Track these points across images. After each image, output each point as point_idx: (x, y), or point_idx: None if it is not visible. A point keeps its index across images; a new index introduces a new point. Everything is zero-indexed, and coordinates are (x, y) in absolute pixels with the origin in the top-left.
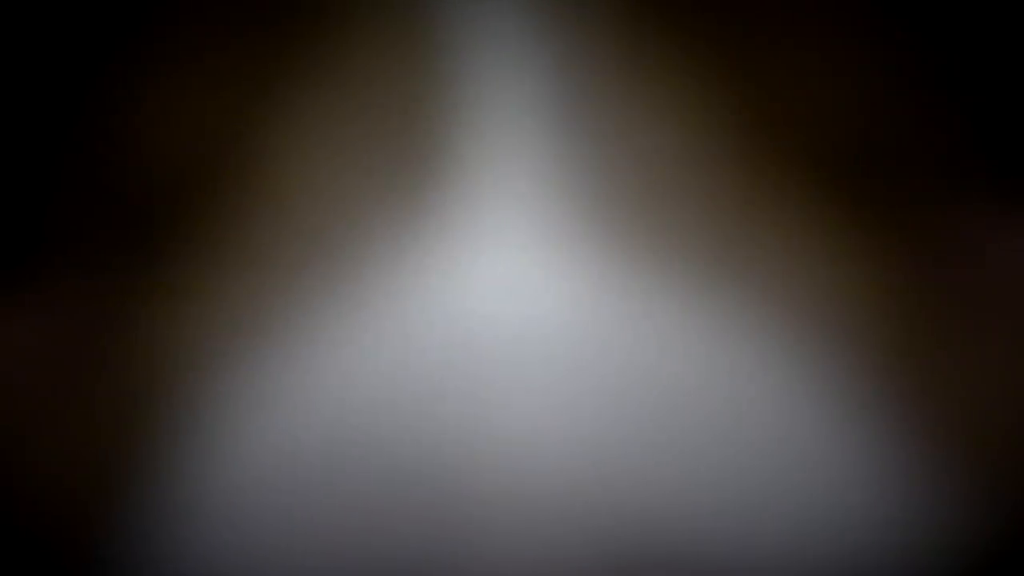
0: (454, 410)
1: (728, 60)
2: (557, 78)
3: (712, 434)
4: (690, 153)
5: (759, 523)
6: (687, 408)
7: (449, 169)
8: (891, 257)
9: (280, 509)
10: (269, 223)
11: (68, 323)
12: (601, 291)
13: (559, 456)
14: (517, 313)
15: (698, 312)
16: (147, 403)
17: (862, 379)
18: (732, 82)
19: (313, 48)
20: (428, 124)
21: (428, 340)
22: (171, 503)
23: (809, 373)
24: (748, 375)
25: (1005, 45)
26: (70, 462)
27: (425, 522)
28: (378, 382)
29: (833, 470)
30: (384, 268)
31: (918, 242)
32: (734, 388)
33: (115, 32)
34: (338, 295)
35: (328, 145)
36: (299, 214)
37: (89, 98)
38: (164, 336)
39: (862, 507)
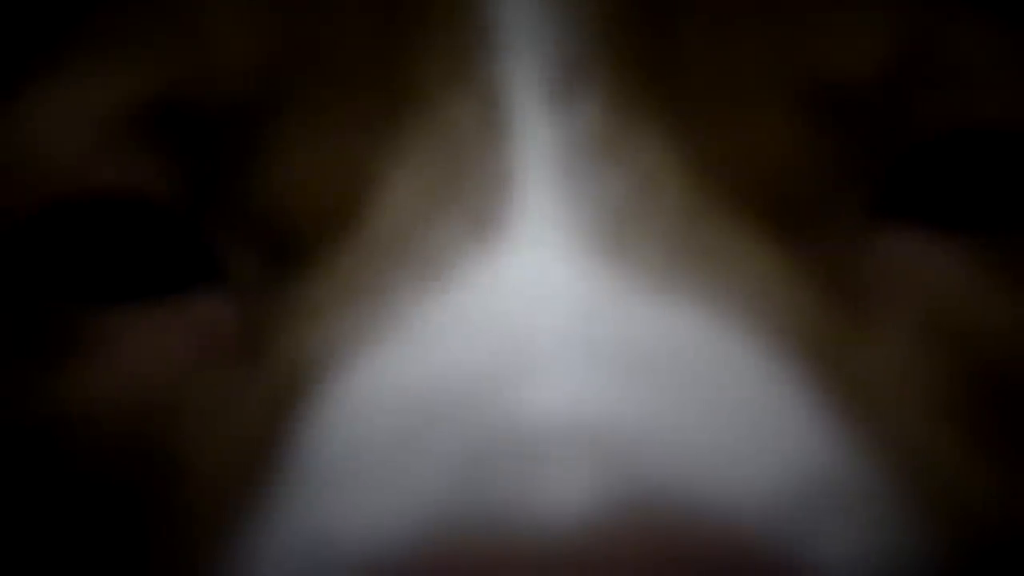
0: (507, 378)
1: (694, 128)
2: (577, 146)
3: (694, 393)
4: (668, 195)
5: (731, 453)
6: (676, 378)
7: (504, 206)
8: (810, 268)
9: (390, 457)
10: (377, 245)
11: (227, 331)
12: (612, 291)
13: (584, 413)
14: (552, 307)
15: (680, 307)
16: (287, 390)
17: (791, 353)
18: (696, 144)
19: (412, 118)
20: (490, 173)
21: (492, 329)
22: (306, 467)
23: (756, 350)
24: (715, 350)
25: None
26: (223, 443)
27: (484, 456)
28: (458, 360)
29: (774, 416)
30: (459, 277)
31: (829, 257)
32: (707, 360)
33: (269, 104)
34: (427, 300)
35: (419, 188)
36: (399, 238)
37: (253, 156)
38: (300, 340)
39: (793, 438)
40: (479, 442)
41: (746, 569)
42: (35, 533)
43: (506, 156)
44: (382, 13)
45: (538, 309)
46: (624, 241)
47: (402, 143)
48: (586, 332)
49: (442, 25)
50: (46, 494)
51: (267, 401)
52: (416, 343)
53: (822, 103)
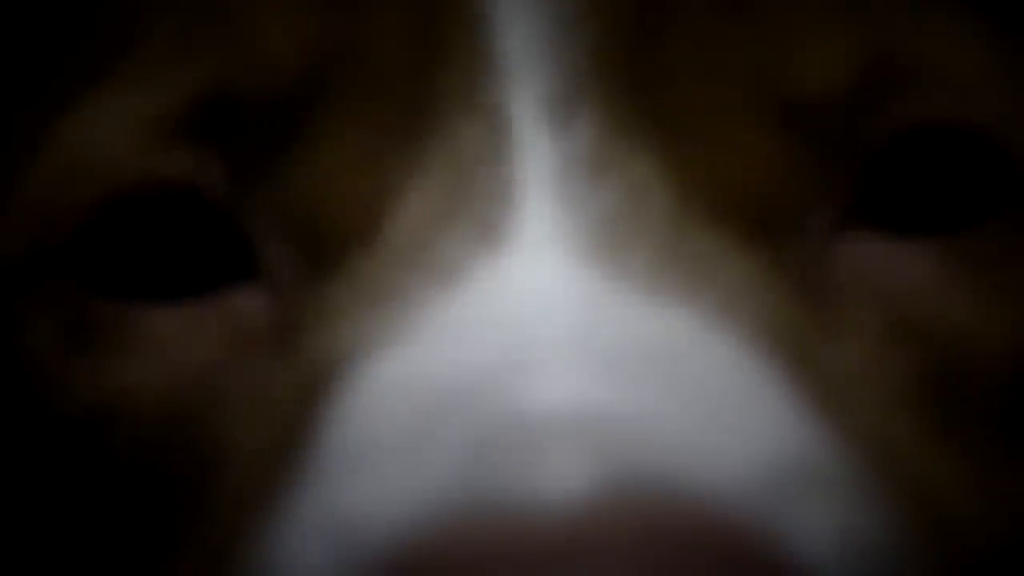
0: (511, 374)
1: (679, 145)
2: (574, 162)
3: (679, 386)
4: (656, 206)
5: (713, 441)
6: (663, 373)
7: (509, 216)
8: (784, 272)
9: (407, 445)
10: (396, 251)
11: (259, 326)
12: (606, 294)
13: (581, 405)
14: (552, 308)
15: (667, 308)
16: (314, 383)
17: (766, 349)
18: (681, 159)
19: (429, 136)
20: (496, 186)
21: (497, 328)
22: (331, 454)
23: (735, 347)
24: (699, 348)
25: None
26: (255, 430)
27: (491, 444)
28: (467, 357)
29: (751, 407)
30: (468, 281)
31: (801, 262)
32: (691, 356)
33: (305, 107)
34: (440, 301)
35: (434, 199)
36: (415, 244)
37: (288, 159)
38: (327, 337)
39: (768, 427)
40: (486, 432)
41: (726, 545)
42: (81, 515)
43: (511, 171)
44: (397, 47)
45: (539, 311)
46: (616, 248)
47: (420, 159)
48: (582, 331)
49: (454, 55)
50: (93, 479)
51: (296, 392)
52: (430, 341)
53: (795, 121)
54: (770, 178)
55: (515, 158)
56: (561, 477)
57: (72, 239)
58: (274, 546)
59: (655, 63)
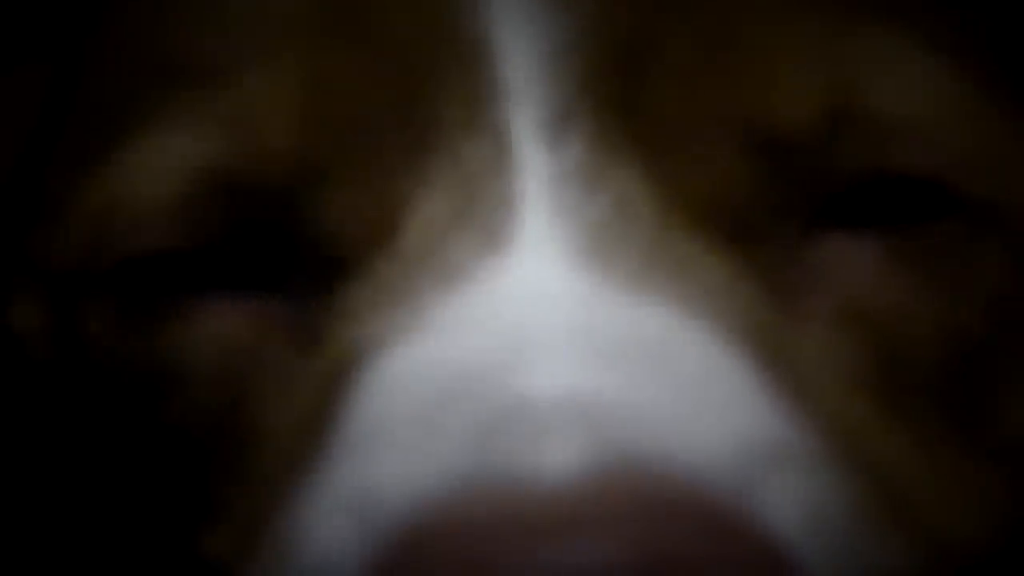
0: (513, 364)
1: (660, 162)
2: (567, 177)
3: (662, 373)
4: (640, 216)
5: (691, 421)
6: (648, 362)
7: (509, 225)
8: (753, 273)
9: (420, 428)
10: (408, 257)
11: (281, 324)
12: (596, 293)
13: (575, 391)
14: (548, 306)
15: (651, 305)
16: (337, 373)
17: (739, 340)
18: (662, 175)
19: (435, 154)
20: (497, 199)
21: (500, 324)
22: (351, 437)
23: (711, 338)
24: (679, 339)
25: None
26: (282, 414)
27: (495, 426)
28: (473, 349)
29: (725, 391)
30: (473, 282)
31: (767, 264)
32: (673, 347)
33: (317, 153)
34: (448, 301)
35: (441, 211)
36: (425, 251)
37: (305, 195)
38: (348, 333)
39: (740, 408)
40: (492, 415)
41: (703, 515)
42: (132, 483)
43: (511, 184)
44: (404, 75)
45: (537, 308)
46: (606, 252)
47: (429, 174)
48: (576, 326)
49: (459, 81)
50: (144, 450)
51: (322, 380)
52: (440, 335)
53: (765, 148)
54: (741, 193)
55: (514, 173)
56: (558, 455)
57: (115, 269)
58: (303, 515)
59: (641, 89)
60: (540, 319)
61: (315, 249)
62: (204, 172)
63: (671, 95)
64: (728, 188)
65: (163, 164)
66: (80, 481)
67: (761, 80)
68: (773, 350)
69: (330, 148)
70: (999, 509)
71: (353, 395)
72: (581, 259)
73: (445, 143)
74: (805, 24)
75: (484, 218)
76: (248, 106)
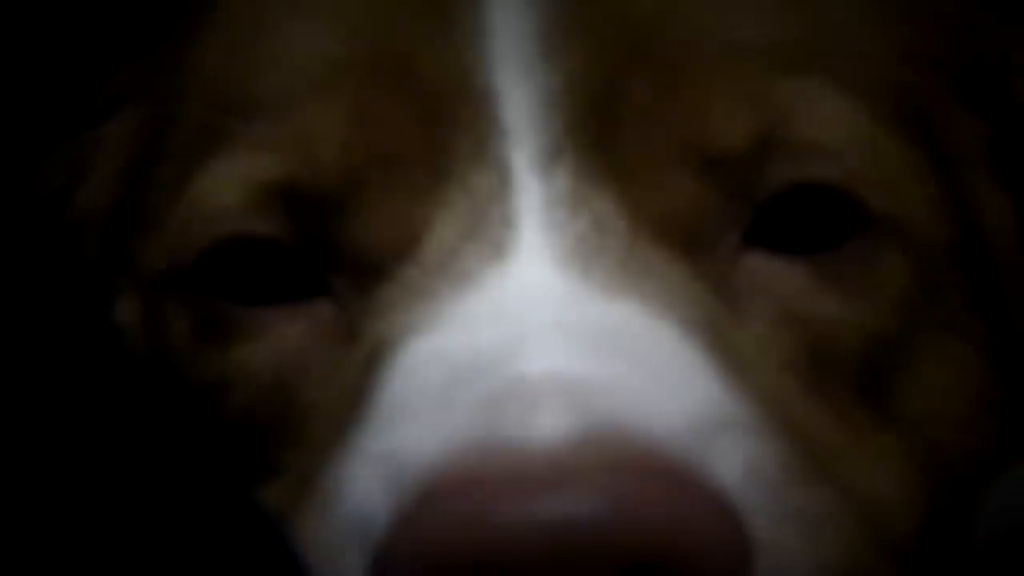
0: (511, 352)
1: (630, 188)
2: (557, 201)
3: (632, 360)
4: (615, 232)
5: (655, 398)
6: (621, 350)
7: (510, 240)
8: (704, 279)
9: (436, 403)
10: (428, 266)
11: (329, 323)
12: (579, 295)
13: (561, 374)
14: (541, 306)
15: (623, 304)
16: (370, 361)
17: (693, 333)
18: (631, 198)
19: (450, 183)
20: (500, 219)
21: (502, 320)
22: (381, 411)
23: (671, 332)
24: (646, 332)
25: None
26: (329, 395)
27: (496, 402)
28: (479, 340)
29: (681, 374)
30: (480, 286)
31: (716, 272)
32: (641, 339)
33: (356, 177)
34: (460, 301)
35: (455, 229)
36: (441, 261)
37: (345, 212)
38: (379, 328)
39: (694, 388)
40: (493, 392)
41: (662, 471)
42: (211, 453)
43: (511, 207)
44: (429, 116)
45: (531, 306)
46: (586, 261)
47: (444, 198)
48: (562, 321)
49: (470, 122)
50: (218, 427)
51: (358, 367)
52: (452, 329)
53: (709, 172)
54: (692, 211)
55: (514, 197)
56: (547, 424)
57: (194, 266)
58: (342, 472)
59: (612, 130)
60: (533, 315)
61: (353, 258)
62: (266, 185)
63: (635, 134)
64: (682, 208)
65: (234, 179)
66: (169, 446)
67: (705, 115)
68: (719, 340)
69: (367, 170)
70: (900, 465)
71: (383, 376)
72: (567, 267)
73: (458, 172)
74: (740, 71)
75: (489, 233)
76: (302, 135)
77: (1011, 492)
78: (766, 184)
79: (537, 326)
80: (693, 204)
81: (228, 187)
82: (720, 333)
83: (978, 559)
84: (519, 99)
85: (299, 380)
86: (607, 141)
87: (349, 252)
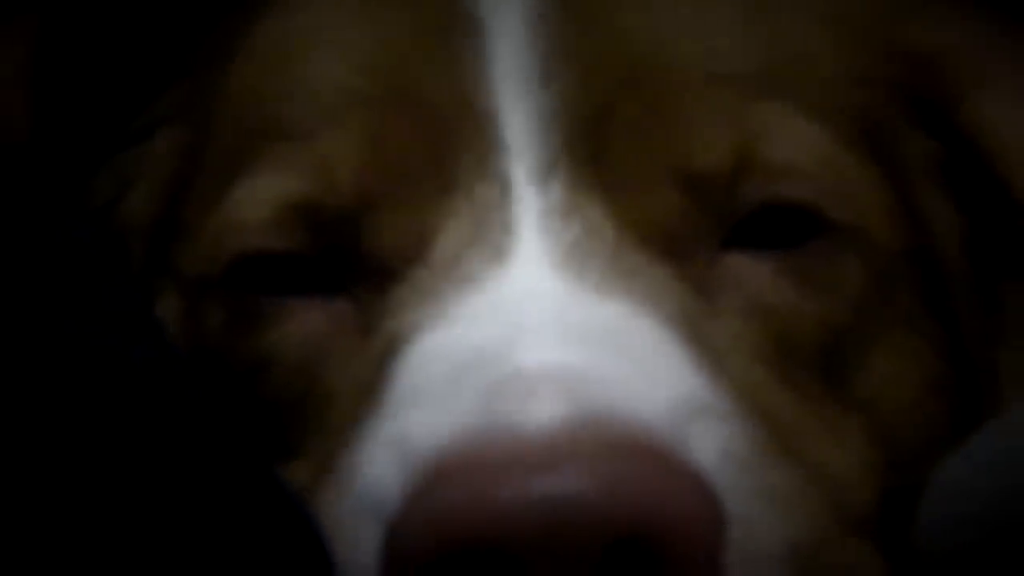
0: (511, 346)
1: (617, 199)
2: (552, 211)
3: (619, 353)
4: (604, 239)
5: (639, 386)
6: (609, 344)
7: (510, 245)
8: (684, 279)
9: (442, 392)
10: (436, 269)
11: (348, 318)
12: (572, 295)
13: (555, 366)
14: (538, 304)
15: (612, 303)
16: (384, 353)
17: (674, 328)
18: (619, 208)
19: (456, 195)
20: (501, 227)
21: (503, 317)
22: (394, 398)
23: (655, 327)
24: (632, 328)
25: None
26: (348, 383)
27: (497, 391)
28: (482, 335)
29: (664, 365)
30: (483, 287)
31: (695, 273)
32: (627, 334)
33: (372, 193)
34: (465, 300)
35: (461, 236)
36: (449, 265)
37: (362, 222)
38: (393, 324)
39: (675, 377)
40: (494, 382)
41: (645, 452)
42: (244, 437)
43: (511, 216)
44: (437, 136)
45: (528, 305)
46: (578, 265)
47: (450, 209)
48: (556, 318)
49: (474, 141)
50: (250, 413)
51: (372, 360)
52: (458, 325)
53: (690, 184)
54: (672, 220)
55: (513, 207)
56: (543, 410)
57: (226, 271)
58: (359, 453)
59: (603, 146)
60: (530, 313)
61: (371, 262)
62: (290, 201)
63: (622, 150)
64: (664, 216)
65: (262, 197)
66: (206, 428)
67: (686, 135)
68: (697, 334)
69: (381, 188)
70: (858, 444)
71: (395, 368)
72: (561, 269)
73: (463, 185)
74: (719, 97)
75: (491, 240)
76: (323, 156)
77: (953, 466)
78: (741, 201)
79: (533, 323)
80: (674, 215)
81: (255, 205)
82: (697, 328)
83: (921, 529)
84: (518, 120)
85: (321, 368)
86: (598, 157)
87: (365, 259)
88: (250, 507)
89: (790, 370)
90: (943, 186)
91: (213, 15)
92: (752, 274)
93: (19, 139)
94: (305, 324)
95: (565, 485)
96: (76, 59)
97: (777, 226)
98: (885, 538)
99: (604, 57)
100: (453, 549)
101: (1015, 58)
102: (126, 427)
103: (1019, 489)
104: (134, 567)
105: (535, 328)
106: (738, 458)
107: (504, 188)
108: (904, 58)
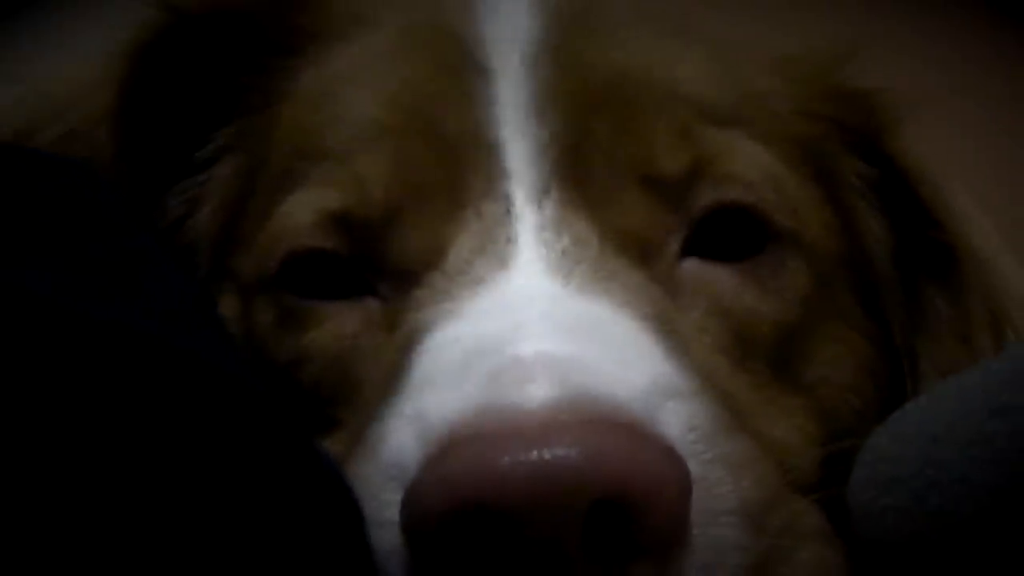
0: (511, 338)
1: (599, 212)
2: (546, 224)
3: (601, 344)
4: (589, 246)
5: (617, 372)
6: (594, 337)
7: (512, 254)
8: (654, 281)
9: (453, 377)
10: (449, 274)
11: (377, 317)
12: (563, 295)
13: (548, 355)
14: (535, 303)
15: (595, 302)
16: (406, 345)
17: (647, 322)
18: (600, 220)
19: (466, 212)
20: (504, 238)
21: (505, 313)
22: (413, 382)
23: (631, 322)
24: (612, 322)
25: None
26: (376, 371)
27: (499, 376)
28: (488, 328)
29: (638, 353)
30: (488, 288)
31: (664, 275)
32: (608, 327)
33: (396, 207)
34: (473, 299)
35: (470, 246)
36: (460, 270)
37: (387, 234)
38: (413, 320)
39: (647, 364)
40: (497, 368)
41: (623, 427)
42: (290, 413)
43: (513, 230)
44: (451, 162)
45: (526, 304)
46: (568, 270)
47: (463, 223)
48: (549, 315)
49: (482, 166)
50: (295, 394)
51: (396, 350)
52: (468, 321)
53: (656, 193)
54: (644, 227)
55: (514, 222)
56: (537, 392)
57: (278, 271)
58: (385, 428)
59: (585, 169)
60: (528, 311)
61: (393, 268)
62: (330, 210)
63: (600, 169)
64: (637, 224)
65: (306, 208)
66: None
67: (650, 148)
68: (666, 328)
69: (405, 202)
70: (802, 420)
71: (415, 357)
72: (553, 274)
73: (473, 203)
74: (680, 120)
75: (496, 249)
76: (357, 175)
77: (880, 436)
78: (697, 203)
79: (530, 319)
80: (643, 218)
81: (302, 213)
82: (667, 322)
83: (852, 489)
84: (517, 149)
85: (353, 360)
86: (581, 179)
87: (390, 263)
88: (296, 472)
89: (745, 359)
90: (876, 203)
91: (260, 60)
92: (712, 275)
93: (105, 167)
94: (340, 324)
95: (555, 453)
96: (152, 102)
97: (732, 234)
98: (824, 496)
99: (585, 93)
100: (462, 508)
101: (937, 95)
102: (196, 408)
103: (933, 455)
104: (202, 516)
105: (531, 323)
106: (701, 431)
107: (507, 206)
108: (842, 96)
